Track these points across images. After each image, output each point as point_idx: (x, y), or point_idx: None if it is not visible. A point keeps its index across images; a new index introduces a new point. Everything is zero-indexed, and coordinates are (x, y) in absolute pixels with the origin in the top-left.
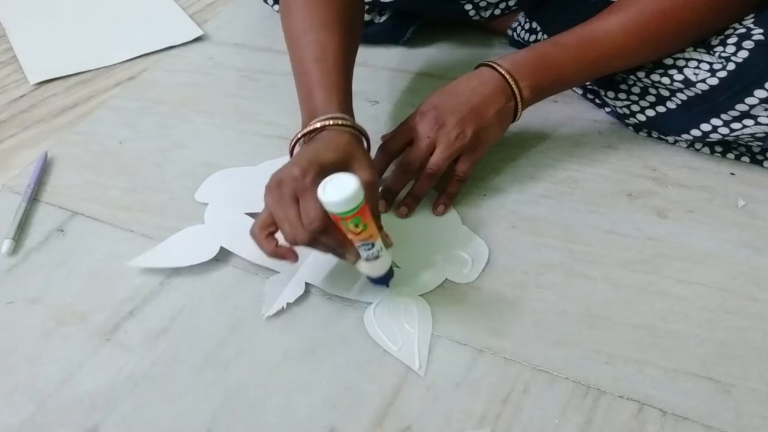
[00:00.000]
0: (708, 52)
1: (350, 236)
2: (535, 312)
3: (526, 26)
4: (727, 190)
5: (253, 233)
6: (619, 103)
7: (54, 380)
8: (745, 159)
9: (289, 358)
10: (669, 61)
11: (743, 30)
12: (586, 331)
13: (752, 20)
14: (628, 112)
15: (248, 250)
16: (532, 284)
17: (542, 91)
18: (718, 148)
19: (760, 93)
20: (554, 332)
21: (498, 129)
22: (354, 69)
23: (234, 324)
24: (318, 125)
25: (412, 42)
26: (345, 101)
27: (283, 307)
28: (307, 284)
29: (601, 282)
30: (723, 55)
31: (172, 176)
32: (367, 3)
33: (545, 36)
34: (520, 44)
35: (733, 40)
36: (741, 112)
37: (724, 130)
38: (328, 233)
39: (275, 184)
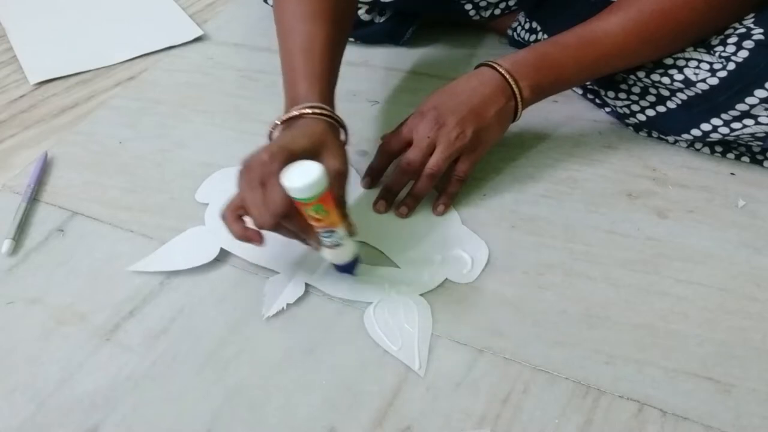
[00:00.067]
0: (708, 52)
1: (311, 222)
2: (535, 312)
3: (526, 26)
4: (727, 190)
5: (222, 215)
6: (619, 103)
7: (54, 380)
8: (745, 159)
9: (289, 358)
10: (669, 61)
11: (743, 30)
12: (586, 331)
13: (752, 20)
14: (628, 111)
15: (249, 250)
16: (532, 284)
17: (542, 91)
18: (718, 148)
19: (760, 93)
20: (554, 332)
21: (498, 129)
22: (354, 69)
23: (234, 324)
24: (296, 113)
25: (412, 42)
26: (326, 91)
27: (283, 308)
28: (307, 284)
29: (601, 282)
30: (723, 54)
31: (172, 176)
32: (367, 3)
33: (545, 36)
34: (520, 44)
35: (733, 39)
36: (741, 111)
37: (725, 130)
38: (291, 219)
39: (245, 168)
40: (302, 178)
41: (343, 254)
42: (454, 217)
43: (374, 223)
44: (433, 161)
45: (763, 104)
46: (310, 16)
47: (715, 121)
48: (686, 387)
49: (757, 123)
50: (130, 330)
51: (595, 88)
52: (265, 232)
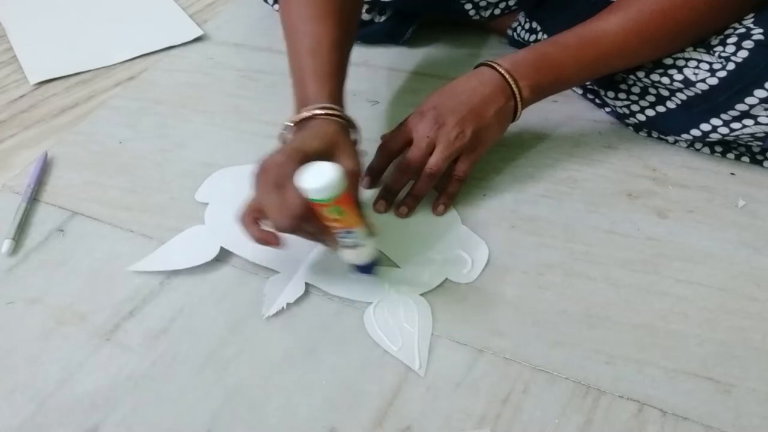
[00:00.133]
0: (708, 52)
1: (328, 224)
2: (535, 312)
3: (526, 26)
4: (727, 190)
5: (239, 219)
6: (619, 103)
7: (54, 380)
8: (745, 159)
9: (289, 358)
10: (669, 61)
11: (743, 30)
12: (586, 331)
13: (752, 20)
14: (628, 111)
15: (249, 250)
16: (532, 284)
17: (542, 90)
18: (718, 148)
19: (759, 93)
20: (554, 332)
21: (498, 129)
22: (354, 69)
23: (234, 324)
24: (307, 114)
25: (412, 42)
26: (336, 92)
27: (283, 307)
28: (307, 284)
29: (601, 282)
30: (723, 54)
31: (172, 176)
32: (367, 3)
33: (545, 36)
34: (520, 44)
35: (732, 39)
36: (741, 111)
37: (724, 130)
38: (309, 220)
39: (261, 171)
40: (319, 179)
41: (363, 255)
42: (454, 217)
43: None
44: (433, 161)
45: (763, 104)
46: (317, 17)
47: (715, 121)
48: (686, 387)
49: (757, 123)
50: (130, 330)
51: (595, 88)
52: (282, 234)
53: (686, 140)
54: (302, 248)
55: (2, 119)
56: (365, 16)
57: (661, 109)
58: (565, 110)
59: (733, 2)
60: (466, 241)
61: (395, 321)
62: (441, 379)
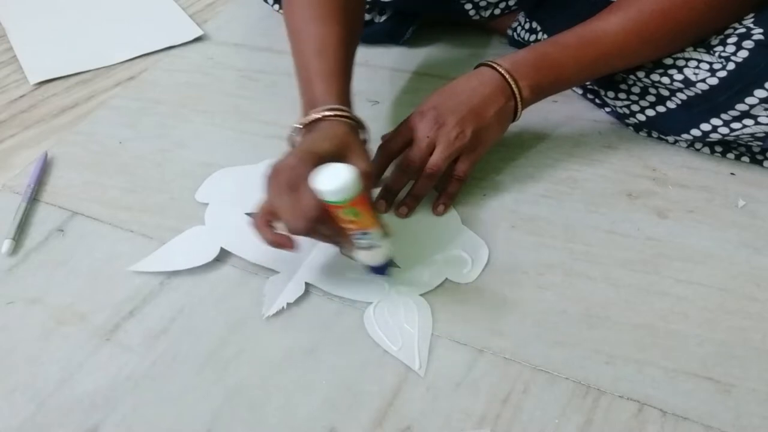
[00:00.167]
0: (708, 52)
1: (344, 225)
2: (535, 312)
3: (526, 26)
4: (727, 190)
5: (252, 222)
6: (619, 103)
7: (54, 380)
8: (745, 159)
9: (289, 358)
10: (669, 61)
11: (743, 30)
12: (586, 331)
13: (752, 20)
14: (628, 111)
15: (249, 250)
16: (532, 284)
17: (542, 90)
18: (718, 148)
19: (760, 93)
20: (554, 332)
21: (498, 129)
22: (354, 67)
23: (234, 324)
24: (316, 116)
25: (412, 42)
26: (344, 92)
27: (283, 307)
28: (307, 284)
29: (601, 282)
30: (723, 54)
31: (172, 176)
32: (367, 3)
33: (545, 36)
34: (520, 44)
35: (733, 39)
36: (741, 111)
37: (724, 130)
38: (324, 222)
39: (274, 174)
40: (335, 181)
41: (378, 256)
42: (454, 217)
43: None
44: (433, 161)
45: (763, 104)
46: (322, 17)
47: (715, 121)
48: (686, 387)
49: (757, 123)
50: (130, 330)
51: (595, 88)
52: (296, 237)
53: (686, 140)
54: (302, 248)
55: (2, 119)
56: (365, 16)
57: (661, 109)
58: (565, 110)
59: (733, 2)
60: (466, 241)
61: (395, 321)
62: (441, 379)
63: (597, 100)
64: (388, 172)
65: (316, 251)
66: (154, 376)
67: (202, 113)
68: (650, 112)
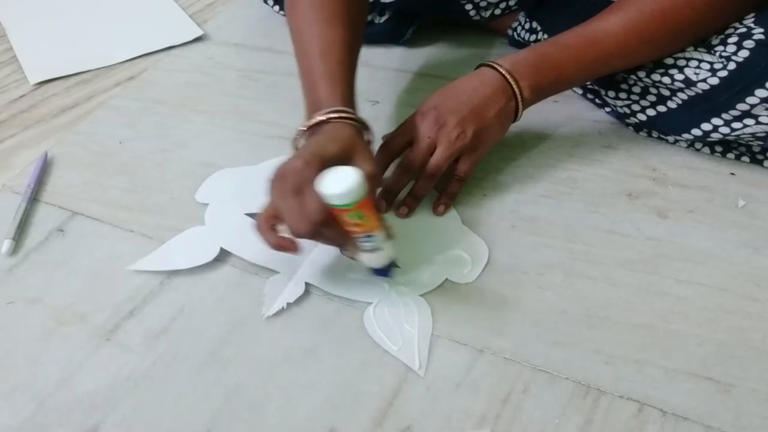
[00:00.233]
0: (708, 52)
1: (350, 228)
2: (535, 312)
3: (527, 26)
4: (727, 190)
5: (256, 225)
6: (619, 103)
7: (54, 380)
8: (745, 159)
9: (289, 358)
10: (669, 61)
11: (744, 29)
12: (586, 331)
13: (753, 19)
14: (628, 111)
15: (249, 250)
16: (532, 284)
17: (543, 91)
18: (718, 148)
19: (760, 92)
20: (554, 332)
21: (498, 129)
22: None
23: (234, 324)
24: (322, 118)
25: (412, 42)
26: (348, 94)
27: (283, 307)
28: (307, 284)
29: (601, 282)
30: (723, 54)
31: (172, 176)
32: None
33: (545, 36)
34: (520, 44)
35: (733, 39)
36: (742, 111)
37: (725, 130)
38: (329, 226)
39: (278, 177)
40: (341, 184)
41: (381, 258)
42: (454, 217)
43: None
44: (434, 161)
45: (764, 104)
46: (325, 19)
47: (716, 121)
48: (686, 387)
49: (758, 123)
50: (130, 330)
51: (596, 88)
52: (300, 240)
53: (687, 140)
54: (303, 249)
55: (2, 119)
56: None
57: (661, 108)
58: (565, 110)
59: (734, 2)
60: (466, 241)
61: (395, 321)
62: (441, 379)
63: (597, 100)
64: (388, 173)
65: (316, 251)
66: (154, 376)
67: (202, 113)
68: (651, 112)
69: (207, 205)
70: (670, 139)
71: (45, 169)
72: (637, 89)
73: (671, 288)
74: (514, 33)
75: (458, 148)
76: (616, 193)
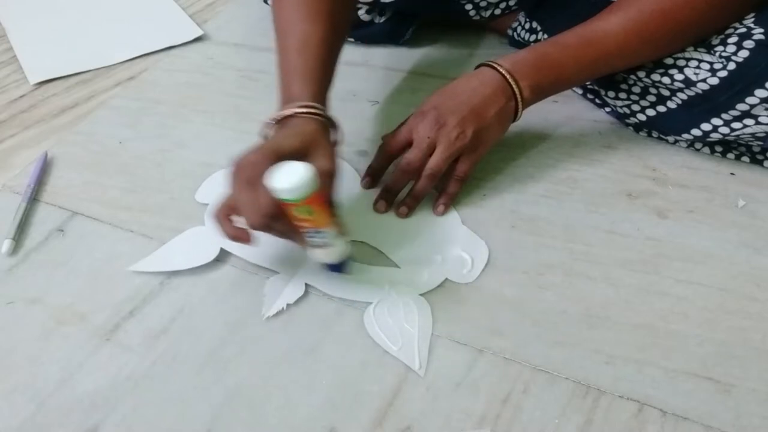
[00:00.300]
0: (708, 52)
1: (298, 223)
2: (535, 312)
3: (527, 26)
4: (727, 190)
5: (214, 215)
6: (619, 103)
7: (54, 380)
8: (745, 159)
9: (289, 358)
10: (669, 61)
11: (744, 29)
12: (586, 331)
13: (753, 20)
14: (628, 111)
15: (249, 250)
16: (532, 284)
17: (542, 91)
18: (718, 148)
19: (760, 92)
20: (554, 332)
21: (498, 129)
22: (354, 69)
23: (234, 324)
24: (287, 113)
25: (412, 42)
26: (320, 91)
27: (283, 308)
28: (306, 284)
29: (601, 282)
30: (723, 54)
31: (172, 176)
32: (367, 3)
33: (545, 36)
34: (520, 44)
35: (733, 39)
36: (741, 111)
37: (725, 130)
38: (279, 219)
39: (235, 169)
40: (288, 179)
41: (333, 254)
42: (454, 217)
43: (374, 223)
44: (433, 161)
45: (764, 104)
46: (307, 16)
47: (716, 121)
48: (686, 387)
49: (758, 123)
50: (130, 330)
51: (595, 88)
52: (255, 232)
53: (686, 140)
54: (302, 248)
55: (2, 119)
56: (365, 17)
57: (661, 108)
58: (565, 110)
59: (734, 2)
60: (466, 241)
61: (395, 321)
62: (441, 379)
63: (597, 100)
64: (388, 172)
65: None
66: (154, 376)
67: (202, 113)
68: (650, 112)
69: (207, 205)
70: (670, 139)
71: (45, 169)
72: (636, 89)
73: (671, 288)
74: (514, 33)
75: (458, 148)
76: (616, 193)
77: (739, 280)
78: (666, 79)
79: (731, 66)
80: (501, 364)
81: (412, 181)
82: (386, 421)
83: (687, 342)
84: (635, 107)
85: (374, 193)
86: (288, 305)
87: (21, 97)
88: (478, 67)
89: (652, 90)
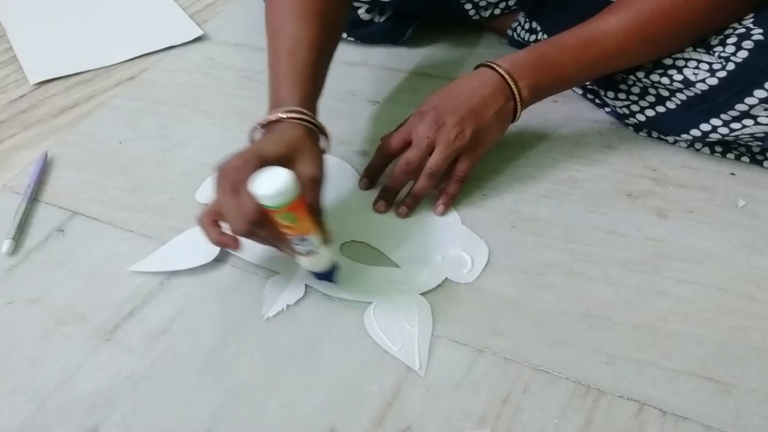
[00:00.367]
0: (707, 52)
1: (282, 230)
2: (535, 312)
3: (526, 26)
4: (727, 190)
5: (199, 219)
6: (618, 103)
7: (54, 380)
8: (745, 159)
9: (289, 358)
10: (668, 61)
11: (743, 30)
12: (586, 331)
13: (752, 20)
14: (627, 112)
15: (249, 250)
16: (532, 284)
17: (542, 91)
18: (718, 148)
19: (759, 93)
20: (554, 332)
21: (497, 129)
22: (354, 69)
23: (234, 324)
24: (273, 118)
25: (412, 42)
26: (309, 96)
27: (283, 309)
28: (306, 285)
29: (601, 282)
30: (722, 55)
31: (172, 176)
32: (367, 3)
33: (545, 36)
34: (520, 44)
35: (732, 40)
36: (741, 112)
37: (724, 130)
38: (263, 226)
39: (219, 175)
40: (270, 185)
41: (318, 262)
42: (454, 217)
43: (374, 223)
44: (433, 161)
45: (763, 104)
46: (300, 18)
47: (715, 122)
48: (686, 387)
49: (757, 123)
50: (130, 330)
51: (595, 88)
52: (241, 237)
53: (686, 140)
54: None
55: (2, 119)
56: (365, 16)
57: (661, 109)
58: (565, 110)
59: (733, 2)
60: (466, 241)
61: (395, 321)
62: (441, 379)
63: (597, 100)
64: (387, 173)
65: None
66: (154, 376)
67: (202, 113)
68: (650, 113)
69: (207, 205)
70: (670, 139)
71: (45, 169)
72: (636, 90)
73: (671, 288)
74: (514, 33)
75: (457, 148)
76: (616, 193)
77: (739, 280)
78: (665, 80)
79: (730, 66)
80: (501, 364)
81: (411, 181)
82: (386, 421)
83: (687, 342)
84: (634, 107)
85: (374, 193)
86: (288, 306)
87: (21, 97)
88: (477, 67)
89: (652, 90)
